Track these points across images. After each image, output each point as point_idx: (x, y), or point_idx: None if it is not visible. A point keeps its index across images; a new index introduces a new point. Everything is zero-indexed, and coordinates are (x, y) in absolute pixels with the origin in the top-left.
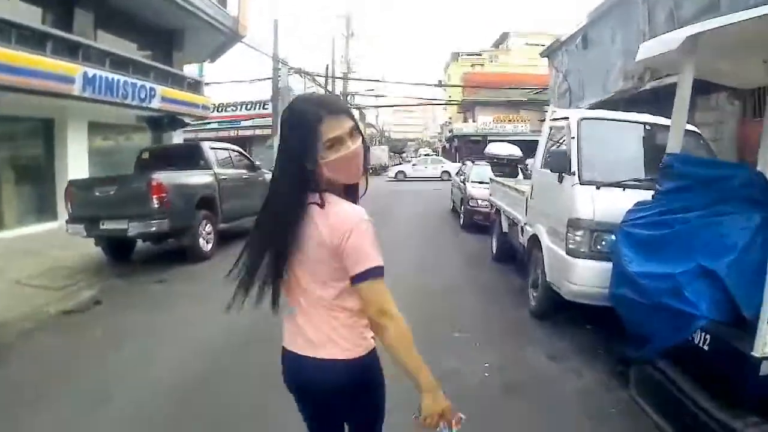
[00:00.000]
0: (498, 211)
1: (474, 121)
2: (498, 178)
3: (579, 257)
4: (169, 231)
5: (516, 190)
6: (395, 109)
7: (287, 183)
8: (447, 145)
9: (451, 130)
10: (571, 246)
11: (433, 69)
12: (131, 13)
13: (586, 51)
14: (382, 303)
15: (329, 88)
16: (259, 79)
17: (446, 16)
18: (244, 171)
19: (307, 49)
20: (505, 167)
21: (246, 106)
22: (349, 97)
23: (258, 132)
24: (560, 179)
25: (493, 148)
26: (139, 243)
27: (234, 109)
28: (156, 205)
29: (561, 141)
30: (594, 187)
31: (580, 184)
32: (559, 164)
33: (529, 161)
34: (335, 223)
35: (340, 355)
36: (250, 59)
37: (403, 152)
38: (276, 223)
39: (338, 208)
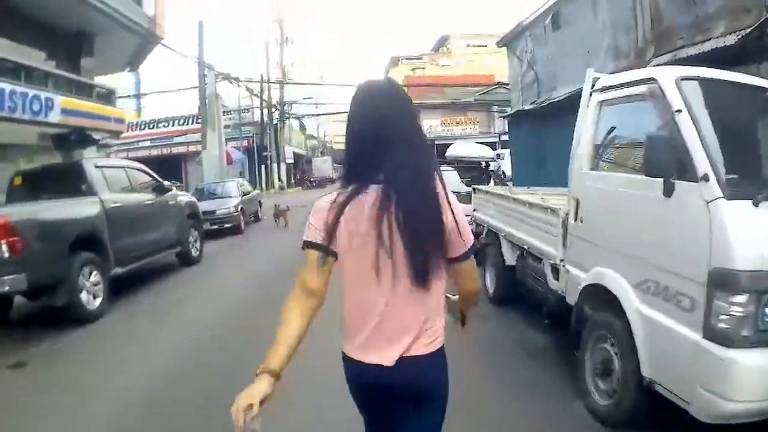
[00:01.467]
0: (491, 233)
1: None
2: (487, 187)
3: (738, 346)
4: (30, 288)
5: (529, 204)
6: (336, 118)
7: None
8: None
9: None
10: (721, 325)
11: (373, 75)
12: (25, 13)
13: (557, 33)
14: None
15: (264, 96)
16: (185, 88)
17: (383, 23)
18: (149, 195)
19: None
20: (473, 171)
21: (179, 121)
22: (286, 106)
23: (192, 148)
24: (667, 190)
25: (457, 149)
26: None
27: (166, 124)
28: (5, 254)
29: (640, 123)
30: (750, 202)
31: (726, 198)
32: (663, 162)
33: (498, 163)
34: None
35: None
36: (184, 68)
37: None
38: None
39: None
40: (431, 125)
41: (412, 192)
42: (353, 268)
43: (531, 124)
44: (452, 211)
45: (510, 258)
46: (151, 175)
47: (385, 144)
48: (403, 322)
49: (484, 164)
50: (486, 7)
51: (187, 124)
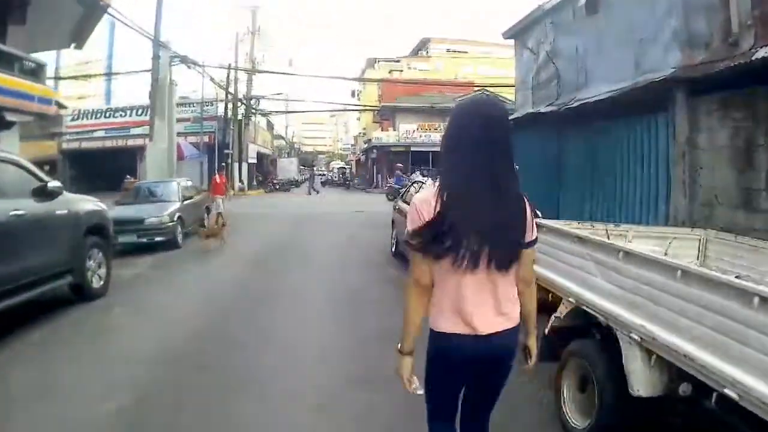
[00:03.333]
0: (581, 313)
1: (395, 130)
2: (566, 225)
3: None
4: None
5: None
6: (305, 120)
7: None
8: (363, 158)
9: (368, 140)
10: None
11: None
12: None
13: (593, 18)
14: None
15: (231, 89)
16: (135, 71)
17: (360, 24)
18: (21, 202)
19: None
20: None
21: (137, 111)
22: (253, 101)
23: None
24: None
25: None
26: None
27: (123, 114)
28: None
29: None
30: None
31: None
32: None
33: None
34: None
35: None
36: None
37: (314, 165)
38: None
39: None
40: (407, 130)
41: (508, 207)
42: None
43: (544, 132)
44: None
45: (645, 382)
46: (31, 172)
47: (488, 160)
48: (494, 301)
49: None
50: (468, 14)
51: (146, 114)
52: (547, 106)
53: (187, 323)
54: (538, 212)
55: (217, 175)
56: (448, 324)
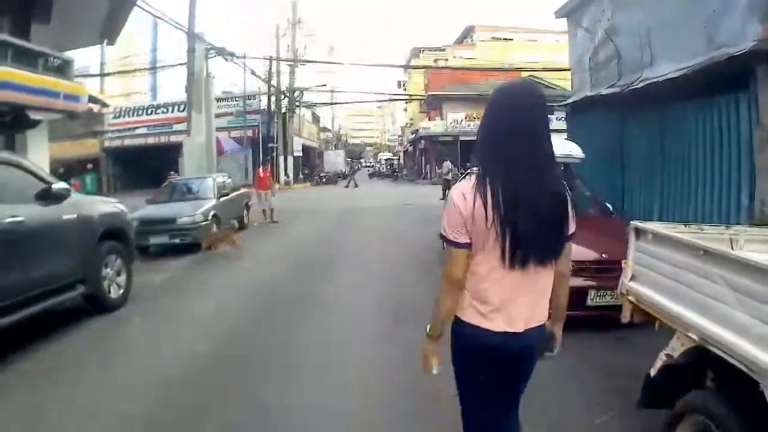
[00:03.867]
0: (703, 355)
1: (443, 119)
2: (679, 232)
3: None
4: None
5: None
6: (352, 112)
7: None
8: (410, 148)
9: (415, 131)
10: None
11: (392, 69)
12: None
13: None
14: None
15: (273, 81)
16: (170, 65)
17: (404, 14)
18: (23, 208)
19: (247, 39)
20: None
21: (179, 107)
22: (296, 94)
23: None
24: None
25: None
26: None
27: (165, 110)
28: None
29: None
30: None
31: None
32: None
33: None
34: None
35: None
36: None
37: (362, 158)
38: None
39: None
40: (455, 119)
41: (547, 194)
42: (484, 250)
43: (605, 116)
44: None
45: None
46: (34, 174)
47: (532, 146)
48: (532, 298)
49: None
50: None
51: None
52: (608, 87)
53: (214, 339)
54: (608, 206)
55: (260, 169)
56: (485, 321)
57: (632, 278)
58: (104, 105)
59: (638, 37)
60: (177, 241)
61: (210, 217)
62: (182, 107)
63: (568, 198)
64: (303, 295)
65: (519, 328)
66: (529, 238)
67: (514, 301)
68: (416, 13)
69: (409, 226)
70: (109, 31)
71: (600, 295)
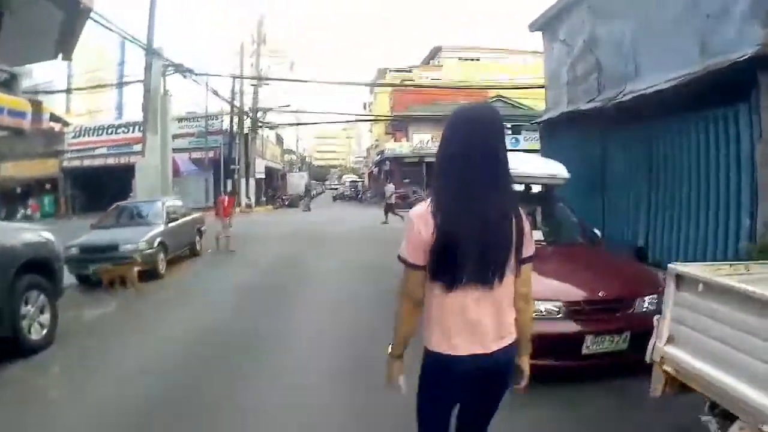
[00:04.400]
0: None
1: (408, 141)
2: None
3: None
4: None
5: None
6: (317, 134)
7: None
8: (375, 170)
9: (381, 152)
10: None
11: (357, 90)
12: None
13: None
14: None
15: (236, 101)
16: (129, 82)
17: (370, 35)
18: None
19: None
20: (538, 202)
21: (140, 127)
22: (260, 114)
23: None
24: None
25: (516, 165)
26: None
27: (126, 130)
28: None
29: None
30: None
31: None
32: None
33: None
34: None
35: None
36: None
37: (326, 180)
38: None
39: None
40: (421, 140)
41: (499, 220)
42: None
43: (584, 133)
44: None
45: None
46: None
47: (484, 171)
48: (496, 318)
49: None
50: (480, 20)
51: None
52: (588, 102)
53: (142, 395)
54: (597, 232)
55: (226, 197)
56: (448, 345)
57: (670, 341)
58: (65, 124)
59: (621, 47)
60: None
61: (156, 245)
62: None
63: (522, 218)
64: (251, 336)
65: (485, 350)
66: (485, 260)
67: (479, 324)
68: (382, 35)
69: (374, 252)
70: (64, 44)
71: (597, 342)
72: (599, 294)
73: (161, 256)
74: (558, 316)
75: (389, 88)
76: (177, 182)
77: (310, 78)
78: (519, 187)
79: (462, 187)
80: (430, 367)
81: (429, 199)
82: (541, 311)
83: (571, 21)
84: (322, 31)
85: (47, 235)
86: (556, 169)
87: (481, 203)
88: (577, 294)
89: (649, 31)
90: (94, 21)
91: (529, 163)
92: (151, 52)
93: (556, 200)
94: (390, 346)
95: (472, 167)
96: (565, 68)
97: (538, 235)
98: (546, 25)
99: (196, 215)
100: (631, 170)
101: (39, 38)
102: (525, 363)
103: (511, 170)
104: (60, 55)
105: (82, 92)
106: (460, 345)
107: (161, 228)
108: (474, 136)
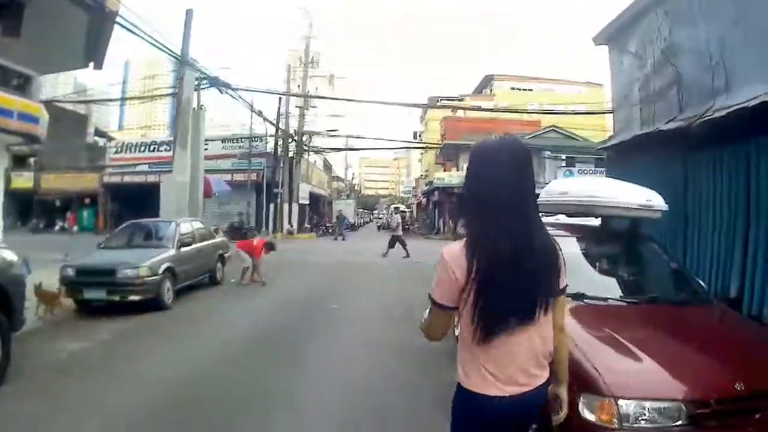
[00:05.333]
0: None
1: (458, 170)
2: None
3: None
4: None
5: None
6: (367, 163)
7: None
8: (424, 201)
9: (429, 183)
10: None
11: (407, 119)
12: None
13: None
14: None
15: (281, 124)
16: (163, 95)
17: (421, 64)
18: None
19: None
20: (624, 247)
21: None
22: (306, 138)
23: None
24: None
25: (585, 189)
26: None
27: (168, 148)
28: None
29: None
30: None
31: None
32: None
33: None
34: None
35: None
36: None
37: (375, 209)
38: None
39: None
40: None
41: (537, 252)
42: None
43: (660, 159)
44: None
45: None
46: None
47: (521, 205)
48: (533, 356)
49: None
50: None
51: None
52: (667, 122)
53: None
54: (701, 284)
55: (256, 239)
56: (487, 386)
57: None
58: (110, 138)
59: (708, 57)
60: (116, 298)
61: (161, 272)
62: None
63: (557, 247)
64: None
65: (523, 390)
66: (522, 298)
67: (513, 362)
68: (433, 64)
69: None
70: (93, 52)
71: None
72: (735, 386)
73: (167, 284)
74: (676, 424)
75: (440, 118)
76: (217, 204)
77: (360, 99)
78: (594, 221)
79: (500, 223)
80: (466, 409)
81: (464, 239)
82: (645, 416)
83: (644, 30)
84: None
85: (6, 255)
86: (653, 198)
87: (521, 237)
88: (702, 387)
89: (745, 35)
90: (121, 26)
91: (620, 190)
92: (186, 62)
93: (645, 239)
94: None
95: (509, 203)
96: (637, 85)
97: (616, 289)
98: (613, 36)
99: (218, 239)
100: (722, 201)
101: (66, 44)
102: (564, 391)
103: (595, 198)
104: (91, 64)
105: (135, 107)
106: (502, 385)
107: (170, 252)
108: (501, 169)
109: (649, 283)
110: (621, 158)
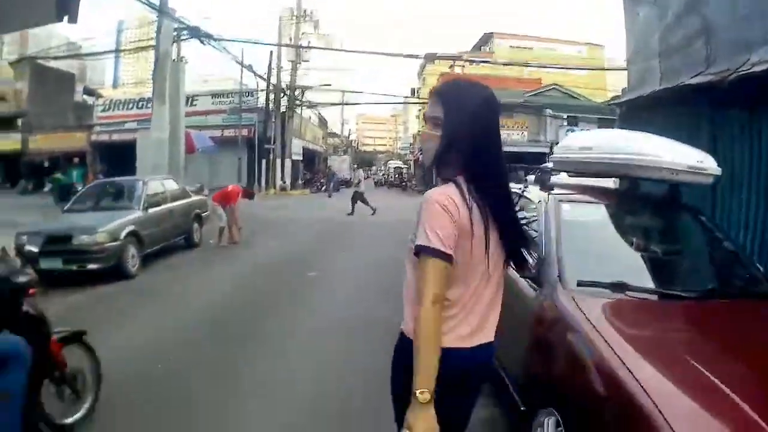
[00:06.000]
0: None
1: None
2: None
3: None
4: None
5: None
6: (364, 119)
7: None
8: (421, 157)
9: None
10: None
11: (405, 75)
12: None
13: None
14: (420, 284)
15: (272, 78)
16: (139, 48)
17: (418, 20)
18: None
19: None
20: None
21: None
22: (298, 92)
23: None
24: None
25: (647, 148)
26: None
27: None
28: None
29: None
30: None
31: None
32: None
33: None
34: None
35: None
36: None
37: (372, 165)
38: None
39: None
40: None
41: (507, 197)
42: (469, 264)
43: (682, 119)
44: None
45: None
46: None
47: (497, 151)
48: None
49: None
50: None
51: (189, 103)
52: (693, 77)
53: None
54: (760, 268)
55: (230, 186)
56: (464, 338)
57: None
58: (98, 95)
59: (741, 3)
60: (73, 267)
61: (123, 236)
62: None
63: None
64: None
65: (490, 337)
66: (504, 239)
67: (492, 309)
68: (432, 22)
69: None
70: (65, 5)
71: None
72: None
73: (131, 251)
74: None
75: (438, 74)
76: (206, 161)
77: (354, 49)
78: (606, 183)
79: (490, 167)
80: (444, 370)
81: (449, 183)
82: None
83: None
84: (368, 18)
85: None
86: (704, 160)
87: (503, 184)
88: None
89: None
90: None
91: (664, 148)
92: (165, 12)
93: (689, 210)
94: (417, 389)
95: (494, 146)
96: (655, 36)
97: (664, 278)
98: None
99: (195, 199)
100: (759, 168)
101: None
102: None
103: (633, 156)
104: (65, 18)
105: (130, 65)
106: (476, 335)
107: (136, 214)
108: (491, 115)
109: (703, 269)
110: (634, 115)
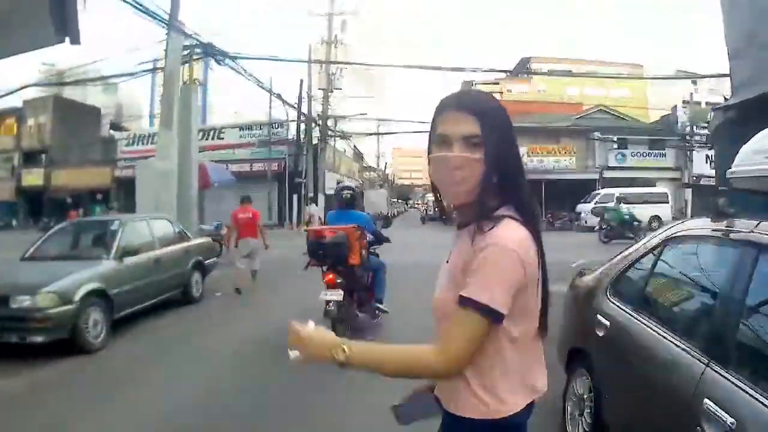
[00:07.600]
0: None
1: None
2: None
3: None
4: None
5: None
6: (402, 153)
7: None
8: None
9: None
10: None
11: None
12: None
13: None
14: (456, 333)
15: (303, 108)
16: (142, 72)
17: (457, 45)
18: None
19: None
20: None
21: (206, 135)
22: (330, 122)
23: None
24: None
25: None
26: None
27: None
28: None
29: None
30: None
31: None
32: None
33: None
34: None
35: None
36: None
37: (409, 198)
38: None
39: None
40: None
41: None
42: (528, 322)
43: None
44: None
45: None
46: None
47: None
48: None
49: None
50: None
51: (208, 137)
52: None
53: None
54: None
55: (240, 207)
56: (520, 398)
57: None
58: (125, 130)
59: None
60: (13, 339)
61: (79, 297)
62: (208, 134)
63: None
64: None
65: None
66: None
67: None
68: (468, 48)
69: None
70: (65, 25)
71: None
72: None
73: (92, 316)
74: None
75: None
76: (233, 196)
77: (390, 63)
78: None
79: (531, 195)
80: None
81: (508, 221)
82: None
83: None
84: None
85: None
86: None
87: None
88: None
89: None
90: None
91: None
92: (175, 28)
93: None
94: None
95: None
96: (764, 24)
97: None
98: None
99: (196, 243)
100: None
101: (31, 19)
102: None
103: None
104: (67, 39)
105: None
106: (529, 392)
107: (105, 266)
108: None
109: None
110: (742, 126)
